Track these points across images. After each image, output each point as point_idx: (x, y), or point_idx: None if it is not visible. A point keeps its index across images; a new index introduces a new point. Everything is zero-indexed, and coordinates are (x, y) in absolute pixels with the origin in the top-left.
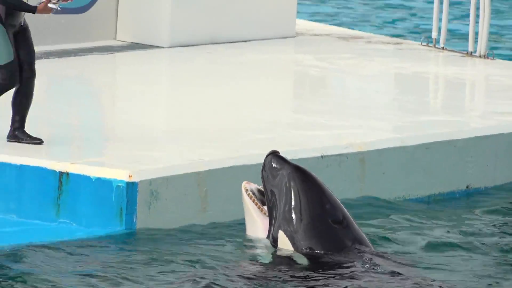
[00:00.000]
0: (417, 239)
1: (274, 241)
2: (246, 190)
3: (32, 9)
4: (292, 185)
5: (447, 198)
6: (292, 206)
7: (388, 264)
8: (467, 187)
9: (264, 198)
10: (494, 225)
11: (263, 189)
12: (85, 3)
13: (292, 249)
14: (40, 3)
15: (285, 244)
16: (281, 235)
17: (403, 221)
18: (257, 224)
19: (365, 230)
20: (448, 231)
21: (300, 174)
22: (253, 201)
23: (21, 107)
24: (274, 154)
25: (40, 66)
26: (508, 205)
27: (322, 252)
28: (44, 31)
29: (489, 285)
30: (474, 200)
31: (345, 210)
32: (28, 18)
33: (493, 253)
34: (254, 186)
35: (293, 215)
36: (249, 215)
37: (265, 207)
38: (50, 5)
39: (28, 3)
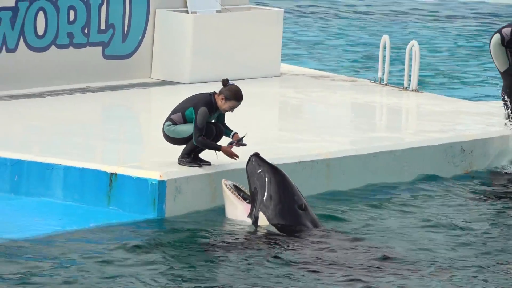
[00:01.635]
0: (361, 219)
1: (255, 219)
2: (226, 185)
3: (217, 148)
4: (270, 179)
5: (388, 191)
6: (270, 195)
7: (335, 237)
8: (403, 184)
9: (238, 190)
10: (423, 209)
11: (237, 185)
12: (129, 52)
13: (269, 225)
14: (228, 145)
15: (264, 222)
16: (261, 215)
17: (354, 208)
18: (237, 208)
19: (327, 212)
20: (385, 213)
21: (276, 171)
22: (232, 192)
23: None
24: (257, 155)
25: (95, 97)
26: (432, 194)
27: (290, 227)
28: (99, 71)
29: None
30: (408, 193)
31: (305, 199)
32: (83, 58)
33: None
34: (230, 182)
35: (271, 201)
36: (229, 203)
37: (242, 196)
38: (233, 149)
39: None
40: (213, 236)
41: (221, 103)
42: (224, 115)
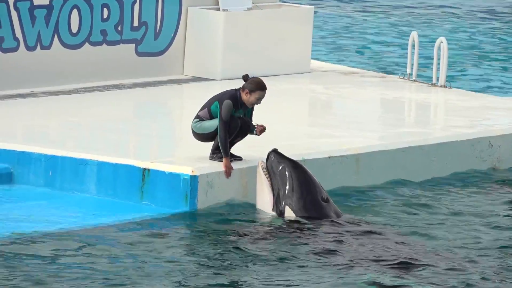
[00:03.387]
0: (389, 214)
1: (281, 213)
2: (263, 168)
3: (226, 155)
4: (292, 174)
5: (417, 186)
6: (294, 189)
7: (359, 227)
8: (431, 178)
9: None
10: (452, 204)
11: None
12: (161, 49)
13: (295, 217)
14: (231, 160)
15: (290, 215)
16: (287, 209)
17: (383, 203)
18: (266, 194)
19: (356, 207)
20: (413, 208)
21: (296, 166)
22: (267, 176)
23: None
24: (276, 151)
25: (129, 94)
26: (461, 190)
27: (316, 219)
28: (132, 68)
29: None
30: (437, 187)
31: (325, 192)
32: (117, 55)
33: (449, 223)
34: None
35: (295, 195)
36: (261, 186)
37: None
38: (232, 166)
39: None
40: (244, 230)
41: (246, 97)
42: (251, 113)
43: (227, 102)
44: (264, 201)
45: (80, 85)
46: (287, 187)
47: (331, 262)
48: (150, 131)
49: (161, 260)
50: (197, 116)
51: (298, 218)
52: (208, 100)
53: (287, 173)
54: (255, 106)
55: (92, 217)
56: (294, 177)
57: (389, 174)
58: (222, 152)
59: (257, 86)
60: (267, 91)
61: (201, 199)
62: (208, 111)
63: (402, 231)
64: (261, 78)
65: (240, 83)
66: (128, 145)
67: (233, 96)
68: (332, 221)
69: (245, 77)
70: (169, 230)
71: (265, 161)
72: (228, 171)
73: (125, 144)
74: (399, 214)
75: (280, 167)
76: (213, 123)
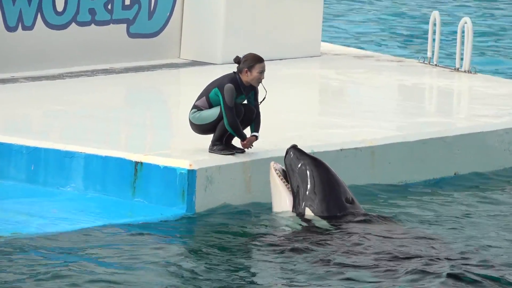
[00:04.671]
0: (409, 212)
1: (301, 215)
2: (275, 169)
3: (243, 138)
4: (313, 172)
5: (438, 182)
6: (315, 189)
7: (385, 228)
8: (454, 173)
9: (287, 177)
10: (477, 201)
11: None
12: (155, 29)
13: (317, 219)
14: (250, 138)
15: (310, 217)
16: (307, 210)
17: (402, 199)
18: (283, 197)
19: (371, 205)
20: (435, 206)
21: (318, 163)
22: (281, 178)
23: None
24: (295, 147)
25: (120, 79)
26: (487, 186)
27: (340, 222)
28: (123, 50)
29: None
30: (461, 184)
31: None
32: (106, 37)
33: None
34: (279, 166)
35: (317, 196)
36: (276, 189)
37: (289, 184)
38: (246, 148)
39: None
40: (248, 231)
41: (248, 76)
42: (254, 97)
43: (228, 86)
44: (282, 206)
45: (66, 70)
46: (308, 186)
47: (353, 275)
48: (143, 120)
49: (154, 264)
50: (195, 106)
51: (320, 221)
52: (206, 88)
53: (307, 171)
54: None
55: (79, 215)
56: (315, 175)
57: (408, 168)
58: (238, 137)
59: (253, 60)
60: (277, 80)
61: (200, 196)
62: (207, 99)
63: (417, 229)
64: (265, 62)
65: None
66: (119, 136)
67: (234, 79)
68: (357, 224)
69: (237, 59)
70: (164, 230)
71: (276, 162)
72: (248, 146)
73: (115, 135)
74: (419, 213)
75: (300, 165)
76: (213, 112)
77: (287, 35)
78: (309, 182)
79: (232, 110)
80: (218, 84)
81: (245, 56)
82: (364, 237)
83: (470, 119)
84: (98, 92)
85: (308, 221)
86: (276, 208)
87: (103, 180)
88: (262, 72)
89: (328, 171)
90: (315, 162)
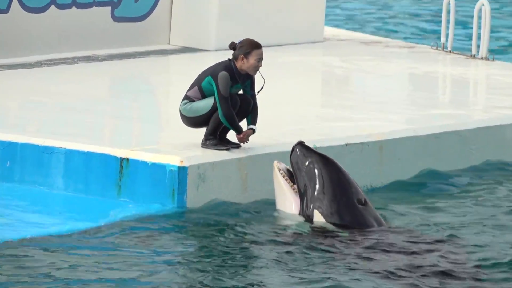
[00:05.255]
0: (420, 214)
1: (309, 218)
2: (279, 169)
3: (239, 130)
4: (322, 171)
5: (453, 180)
6: (324, 189)
7: (399, 235)
8: (470, 170)
9: (292, 177)
10: (498, 201)
11: (291, 170)
12: (143, 13)
13: (325, 222)
14: (246, 131)
15: (319, 220)
16: (316, 212)
17: (413, 199)
18: (288, 199)
19: (379, 205)
20: (453, 208)
21: (327, 161)
22: (285, 179)
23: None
24: (302, 144)
25: (104, 67)
26: (508, 185)
27: (350, 226)
28: (107, 36)
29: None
30: (477, 181)
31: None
32: (89, 21)
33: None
34: (283, 166)
35: (326, 197)
36: (281, 191)
37: (295, 185)
38: (242, 143)
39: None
40: (244, 234)
41: (243, 64)
42: (250, 87)
43: (223, 74)
44: (287, 209)
45: (44, 57)
46: (317, 187)
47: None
48: (129, 112)
49: (139, 269)
50: (186, 97)
51: (329, 225)
52: (198, 76)
53: (316, 170)
54: (256, 87)
55: (59, 217)
56: (324, 175)
57: (419, 165)
58: (234, 130)
59: (250, 46)
60: (276, 69)
61: (191, 196)
62: (199, 89)
63: (436, 235)
64: (263, 48)
65: None
66: (103, 129)
67: (228, 67)
68: (370, 228)
69: (233, 45)
70: (152, 233)
71: (278, 159)
72: (245, 139)
73: (98, 129)
74: (431, 214)
75: (307, 163)
76: (206, 103)
77: (286, 18)
78: (317, 182)
79: (227, 100)
80: (211, 72)
81: (241, 42)
82: (378, 243)
83: (488, 110)
84: (79, 81)
85: (315, 223)
86: (280, 209)
87: (85, 178)
88: (259, 59)
89: (338, 169)
90: (324, 160)
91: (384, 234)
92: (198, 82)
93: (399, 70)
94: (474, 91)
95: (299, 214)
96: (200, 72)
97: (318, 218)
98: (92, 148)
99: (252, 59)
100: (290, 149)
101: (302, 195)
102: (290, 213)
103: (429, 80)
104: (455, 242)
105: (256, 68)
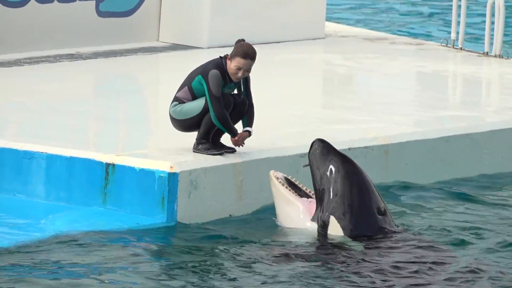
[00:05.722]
0: (429, 221)
1: (324, 224)
2: (277, 178)
3: (234, 133)
4: (343, 174)
5: (464, 185)
6: (344, 195)
7: (416, 248)
8: (482, 176)
9: (292, 186)
10: (509, 209)
11: (289, 178)
12: (130, 7)
13: (342, 233)
14: (242, 133)
15: (335, 228)
16: (332, 219)
17: (421, 206)
18: (295, 206)
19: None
20: (463, 214)
21: (351, 165)
22: (285, 187)
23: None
24: (322, 141)
25: (88, 65)
26: None
27: (368, 237)
28: (92, 32)
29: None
30: (489, 187)
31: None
32: (72, 16)
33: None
34: (281, 175)
35: (345, 203)
36: (283, 200)
37: (298, 192)
38: (237, 146)
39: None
40: (240, 245)
41: (229, 64)
42: (245, 88)
43: (213, 73)
44: (294, 216)
45: (24, 55)
46: (336, 192)
47: None
48: (115, 114)
49: (127, 283)
50: (176, 98)
51: (343, 235)
52: (188, 76)
53: (336, 172)
54: (251, 85)
55: (39, 227)
56: (345, 179)
57: (427, 170)
58: (228, 132)
59: (238, 51)
60: (274, 67)
61: (182, 204)
62: (189, 89)
63: (447, 245)
64: (259, 45)
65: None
66: (87, 133)
67: (219, 65)
68: (387, 239)
69: (237, 42)
70: (140, 244)
71: (276, 170)
72: (240, 143)
73: (82, 132)
74: (440, 223)
75: (327, 163)
76: (197, 105)
77: (285, 13)
78: (337, 187)
79: (219, 100)
80: (202, 71)
81: (238, 41)
82: (393, 259)
83: (501, 112)
84: (62, 81)
85: (328, 233)
86: (285, 221)
87: (68, 185)
88: (239, 68)
89: (361, 173)
90: (345, 162)
91: (401, 248)
92: (188, 82)
93: (406, 69)
94: (486, 91)
95: (312, 220)
96: (190, 71)
97: (334, 225)
98: (75, 153)
99: (232, 64)
100: (289, 153)
101: (318, 197)
102: (297, 221)
103: (438, 80)
104: (483, 262)
105: (234, 74)
